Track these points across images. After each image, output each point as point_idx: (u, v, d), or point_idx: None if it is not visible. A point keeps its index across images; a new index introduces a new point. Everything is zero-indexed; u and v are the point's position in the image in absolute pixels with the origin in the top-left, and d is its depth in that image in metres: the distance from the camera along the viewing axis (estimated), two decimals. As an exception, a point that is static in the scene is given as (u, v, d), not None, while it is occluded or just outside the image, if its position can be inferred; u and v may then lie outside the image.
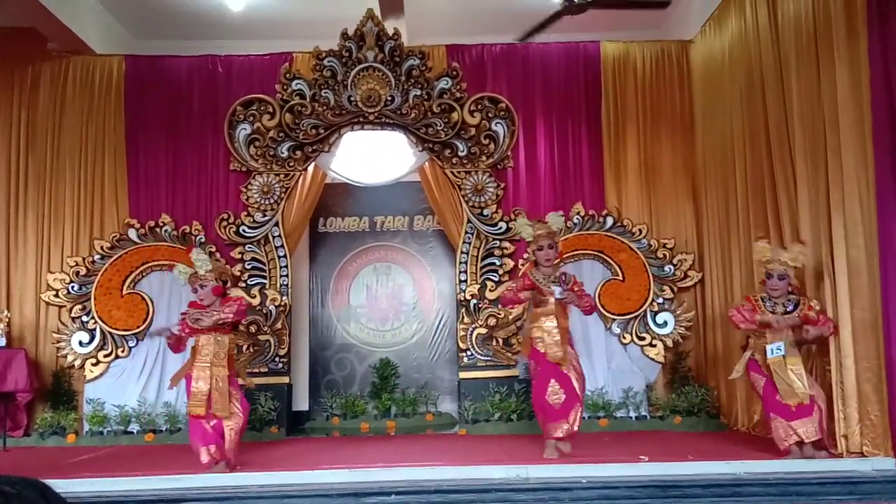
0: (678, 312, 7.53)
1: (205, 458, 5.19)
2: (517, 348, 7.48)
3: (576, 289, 5.70)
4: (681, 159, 7.84)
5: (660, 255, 7.63)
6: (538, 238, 5.68)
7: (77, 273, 7.50)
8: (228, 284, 5.75)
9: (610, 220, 7.71)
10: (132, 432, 7.14)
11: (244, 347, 7.38)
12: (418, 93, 7.61)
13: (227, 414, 5.26)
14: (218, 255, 7.49)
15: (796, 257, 5.29)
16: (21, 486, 1.18)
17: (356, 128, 7.68)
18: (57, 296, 7.47)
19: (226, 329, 5.45)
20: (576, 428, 5.55)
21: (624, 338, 7.52)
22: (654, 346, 7.48)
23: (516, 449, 5.90)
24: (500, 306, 6.62)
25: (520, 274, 5.84)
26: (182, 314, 5.53)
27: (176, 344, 5.53)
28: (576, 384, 5.53)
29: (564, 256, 7.63)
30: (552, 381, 5.48)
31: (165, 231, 7.62)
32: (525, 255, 7.62)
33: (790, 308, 5.25)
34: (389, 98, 7.60)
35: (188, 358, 5.49)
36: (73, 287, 7.47)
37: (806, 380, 5.11)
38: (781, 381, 5.10)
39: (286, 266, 7.63)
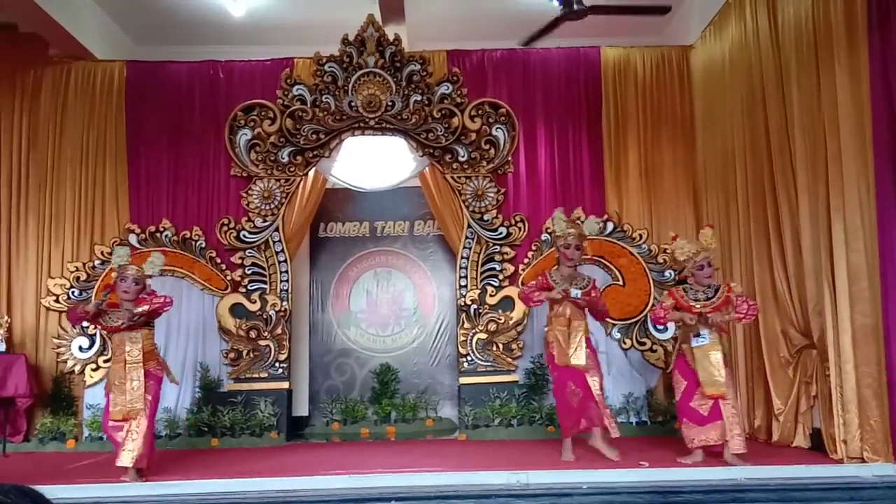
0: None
1: (128, 462, 5.12)
2: (517, 353, 7.49)
3: (593, 293, 5.73)
4: (681, 165, 7.84)
5: (660, 260, 7.62)
6: (568, 235, 5.70)
7: (77, 278, 7.51)
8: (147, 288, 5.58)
9: (610, 226, 7.71)
10: (132, 437, 7.11)
11: (246, 352, 7.38)
12: (419, 98, 7.62)
13: (142, 408, 5.18)
14: (218, 260, 7.51)
15: (711, 240, 5.48)
16: (14, 495, 1.17)
17: (357, 133, 7.69)
18: (57, 301, 7.47)
19: (138, 326, 5.34)
20: (612, 429, 5.56)
21: (624, 343, 7.51)
22: (655, 351, 7.47)
23: (516, 454, 5.88)
24: (519, 299, 6.66)
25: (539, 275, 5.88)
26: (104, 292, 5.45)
27: (78, 315, 5.38)
28: (594, 385, 5.53)
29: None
30: (569, 383, 5.54)
31: (166, 236, 7.62)
32: (525, 260, 7.65)
33: (711, 294, 5.37)
34: (390, 103, 7.62)
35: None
36: (73, 292, 7.47)
37: (723, 372, 5.21)
38: (703, 370, 5.22)
39: (286, 271, 7.63)
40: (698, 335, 5.31)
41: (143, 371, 5.27)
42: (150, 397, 5.31)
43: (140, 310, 5.27)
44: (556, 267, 5.82)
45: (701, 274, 5.42)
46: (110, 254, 7.46)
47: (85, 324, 6.97)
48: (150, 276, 5.47)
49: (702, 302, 5.36)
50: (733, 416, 5.20)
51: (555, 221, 5.84)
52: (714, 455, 5.30)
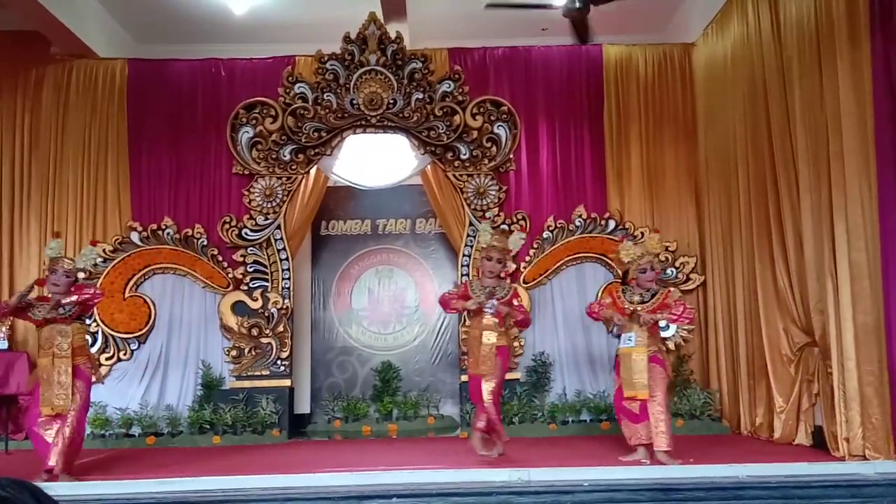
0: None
1: (55, 462, 5.04)
2: (518, 351, 7.49)
3: (515, 302, 5.72)
4: (683, 162, 7.84)
5: (662, 258, 7.61)
6: (491, 248, 5.70)
7: (79, 276, 7.50)
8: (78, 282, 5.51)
9: (612, 223, 7.71)
10: (134, 435, 7.13)
11: (248, 349, 7.39)
12: (420, 96, 7.62)
13: (67, 405, 5.11)
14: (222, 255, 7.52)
15: (657, 245, 5.64)
16: (13, 489, 1.17)
17: (358, 131, 7.69)
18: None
19: (68, 318, 5.27)
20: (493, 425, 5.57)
21: (626, 341, 7.50)
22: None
23: (518, 452, 5.88)
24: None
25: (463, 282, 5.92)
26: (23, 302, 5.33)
27: (10, 310, 5.30)
28: (484, 389, 5.48)
29: (566, 259, 7.66)
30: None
31: (168, 234, 7.62)
32: (527, 258, 7.65)
33: (647, 298, 5.42)
34: (391, 101, 7.61)
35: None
36: (75, 290, 7.47)
37: (646, 375, 5.22)
38: (626, 370, 5.30)
39: (288, 269, 7.63)
40: (625, 337, 5.37)
41: (71, 365, 5.18)
42: (79, 399, 5.21)
43: (66, 300, 5.18)
44: (477, 277, 5.84)
45: (643, 277, 5.47)
46: (113, 251, 7.51)
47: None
48: (81, 270, 5.41)
49: (636, 304, 5.40)
50: (658, 414, 5.22)
51: (480, 233, 5.85)
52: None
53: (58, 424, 5.11)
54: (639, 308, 5.38)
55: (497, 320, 5.55)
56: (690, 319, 5.57)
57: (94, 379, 5.55)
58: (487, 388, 5.49)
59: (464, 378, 7.47)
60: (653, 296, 5.44)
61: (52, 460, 5.01)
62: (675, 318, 5.42)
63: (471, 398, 5.73)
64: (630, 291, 5.49)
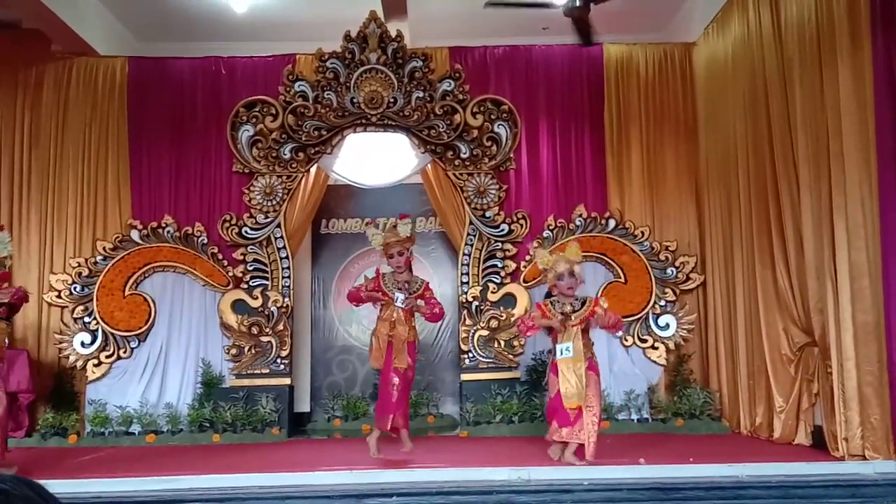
0: (680, 315, 7.53)
1: None
2: (518, 350, 7.49)
3: (427, 295, 5.80)
4: (684, 162, 7.84)
5: (662, 257, 7.62)
6: (389, 246, 5.73)
7: (79, 274, 7.52)
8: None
9: (612, 223, 7.71)
10: (133, 433, 7.14)
11: (248, 348, 7.39)
12: (421, 95, 7.62)
13: None
14: (221, 253, 7.53)
15: (576, 252, 5.50)
16: (13, 484, 1.17)
17: (359, 129, 7.69)
18: (59, 296, 7.48)
19: None
20: (400, 423, 5.76)
21: (626, 340, 7.51)
22: (657, 348, 7.48)
23: (518, 451, 5.89)
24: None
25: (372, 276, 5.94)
26: None
27: None
28: (395, 385, 5.64)
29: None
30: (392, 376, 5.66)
31: (168, 232, 7.62)
32: (527, 257, 7.64)
33: (577, 307, 5.37)
34: (392, 100, 7.61)
35: None
36: (75, 288, 7.48)
37: (585, 385, 5.21)
38: (566, 381, 5.23)
39: (288, 267, 7.63)
40: (561, 348, 5.30)
41: None
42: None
43: None
44: (390, 272, 5.84)
45: (561, 284, 5.39)
46: (113, 249, 7.51)
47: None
48: (7, 259, 5.40)
49: (569, 313, 5.34)
50: (592, 426, 5.20)
51: (370, 239, 5.87)
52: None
53: None
54: (566, 316, 5.32)
55: (406, 315, 5.69)
56: (620, 329, 5.71)
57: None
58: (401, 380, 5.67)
59: (464, 377, 7.50)
60: (582, 304, 5.39)
61: None
62: (611, 327, 5.44)
63: (386, 392, 5.71)
64: (559, 303, 5.40)
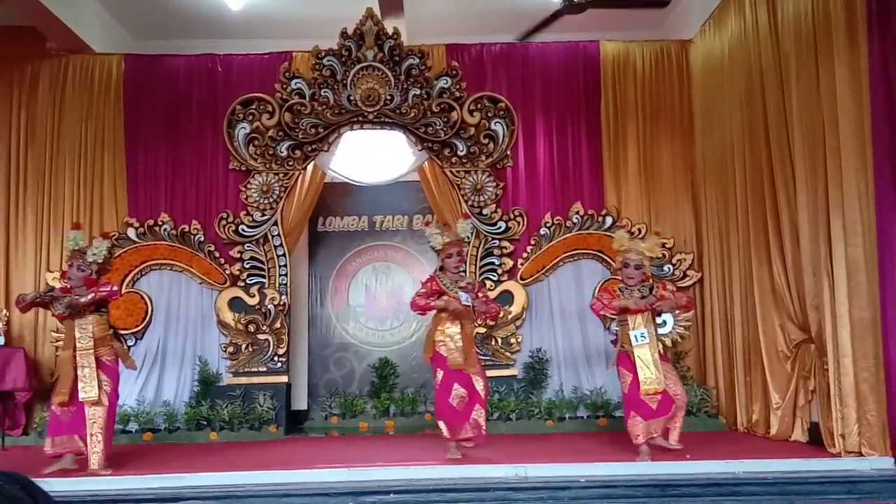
0: (677, 312, 7.52)
1: (47, 447, 5.13)
2: (516, 348, 7.50)
3: (480, 295, 5.78)
4: (680, 159, 7.85)
5: (659, 254, 7.61)
6: (447, 246, 5.71)
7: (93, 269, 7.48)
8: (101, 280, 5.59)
9: (609, 220, 7.72)
10: (131, 431, 7.11)
11: (245, 346, 7.38)
12: (418, 92, 7.61)
13: (95, 398, 5.15)
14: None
15: (653, 248, 5.52)
16: (3, 481, 1.17)
17: (355, 127, 7.68)
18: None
19: (85, 312, 5.31)
20: (483, 430, 5.65)
21: (623, 337, 7.51)
22: (653, 345, 7.47)
23: (515, 448, 5.90)
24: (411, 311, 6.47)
25: (426, 280, 5.86)
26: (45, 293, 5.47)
27: (26, 305, 5.41)
28: (479, 387, 5.59)
29: (563, 255, 7.66)
30: (455, 385, 5.51)
31: (164, 230, 7.61)
32: (524, 254, 7.65)
33: (646, 293, 5.44)
34: (389, 97, 7.60)
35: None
36: (71, 286, 7.46)
37: (661, 369, 5.29)
38: (644, 368, 5.26)
39: (285, 265, 7.63)
40: (636, 334, 5.34)
41: (93, 358, 5.24)
42: (107, 392, 5.27)
43: (78, 299, 5.24)
44: (442, 272, 5.79)
45: (625, 272, 5.48)
46: (109, 247, 7.48)
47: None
48: (93, 263, 5.42)
49: (636, 298, 5.40)
50: (680, 411, 5.34)
51: (429, 238, 5.80)
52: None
53: (75, 412, 5.16)
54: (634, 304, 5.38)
55: (467, 313, 5.67)
56: (691, 307, 5.58)
57: (123, 367, 5.60)
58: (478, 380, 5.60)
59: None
60: (650, 291, 5.44)
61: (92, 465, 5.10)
62: (682, 308, 5.46)
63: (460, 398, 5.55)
64: (627, 289, 5.47)
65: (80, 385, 5.17)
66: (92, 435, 5.16)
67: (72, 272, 5.37)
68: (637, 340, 5.33)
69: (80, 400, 5.16)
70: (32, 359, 7.30)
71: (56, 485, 4.57)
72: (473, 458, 5.48)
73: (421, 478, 4.75)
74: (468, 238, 5.96)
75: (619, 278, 5.66)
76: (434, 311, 5.74)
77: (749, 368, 6.52)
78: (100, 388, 5.21)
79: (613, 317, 5.71)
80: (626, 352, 5.43)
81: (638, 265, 5.45)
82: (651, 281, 5.58)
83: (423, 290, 5.70)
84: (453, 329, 5.58)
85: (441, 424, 5.61)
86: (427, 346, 5.75)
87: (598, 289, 5.69)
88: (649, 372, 5.25)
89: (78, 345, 5.24)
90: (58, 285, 7.34)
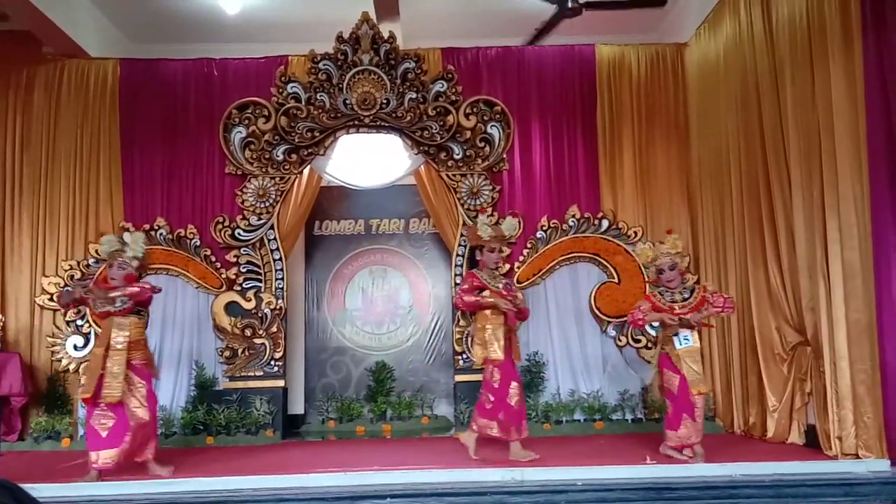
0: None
1: (93, 461, 5.10)
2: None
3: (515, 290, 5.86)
4: (676, 162, 7.86)
5: (680, 247, 7.60)
6: (493, 240, 5.75)
7: (72, 277, 7.48)
8: (142, 277, 5.67)
9: (605, 223, 7.72)
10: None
11: (241, 350, 7.37)
12: (413, 96, 7.61)
13: (117, 399, 5.12)
14: (212, 255, 7.52)
15: (674, 243, 5.58)
16: None
17: (351, 131, 7.68)
18: (52, 300, 7.45)
19: (123, 312, 5.33)
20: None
21: (619, 340, 7.52)
22: (650, 348, 7.48)
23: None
24: (459, 311, 6.36)
25: (465, 276, 5.86)
26: (87, 289, 5.50)
27: (68, 301, 5.49)
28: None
29: (560, 259, 7.66)
30: (512, 383, 5.55)
31: (160, 234, 7.60)
32: (521, 258, 7.64)
33: (687, 295, 5.48)
34: (385, 101, 7.61)
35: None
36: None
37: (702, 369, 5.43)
38: (691, 371, 5.32)
39: (281, 269, 7.62)
40: (680, 337, 5.39)
41: (125, 358, 5.23)
42: (141, 394, 5.28)
43: (114, 294, 5.28)
44: (479, 269, 5.81)
45: (663, 277, 5.53)
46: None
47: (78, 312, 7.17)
48: (137, 259, 5.47)
49: (679, 303, 5.43)
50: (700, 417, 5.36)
51: (480, 229, 5.81)
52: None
53: (114, 420, 5.16)
54: (676, 307, 5.42)
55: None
56: (733, 306, 5.55)
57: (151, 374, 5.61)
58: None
59: (458, 378, 7.49)
60: (691, 293, 5.50)
61: (100, 460, 5.09)
62: (719, 309, 5.42)
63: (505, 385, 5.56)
64: (668, 292, 5.52)
65: (105, 381, 5.15)
66: (137, 440, 5.21)
67: (113, 272, 5.41)
68: (681, 344, 5.39)
69: (102, 399, 5.14)
70: (28, 364, 7.28)
71: (50, 490, 4.57)
72: (472, 461, 5.47)
73: (418, 482, 4.75)
74: (513, 236, 6.01)
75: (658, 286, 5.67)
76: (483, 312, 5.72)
77: (745, 371, 6.53)
78: (133, 389, 5.24)
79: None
80: (667, 353, 5.49)
81: (672, 266, 5.52)
82: (688, 278, 5.66)
83: (467, 286, 5.71)
84: (498, 325, 5.59)
85: (486, 428, 5.58)
86: (477, 347, 5.76)
87: (643, 298, 5.69)
88: (697, 373, 5.33)
89: (112, 342, 5.24)
90: (54, 290, 7.41)
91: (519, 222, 6.13)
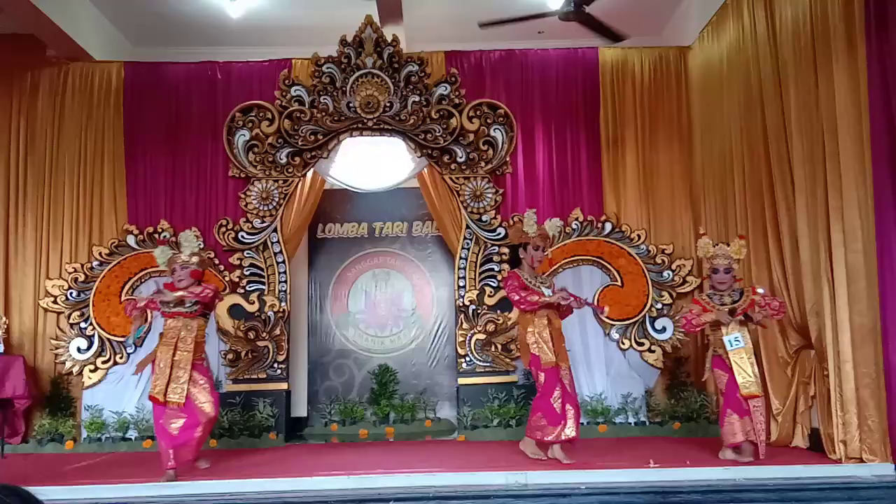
0: (677, 318, 7.53)
1: (167, 461, 5.21)
2: (515, 354, 7.48)
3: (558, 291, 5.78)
4: (679, 165, 7.85)
5: (658, 260, 7.63)
6: (537, 238, 5.75)
7: (76, 279, 7.50)
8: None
9: (609, 226, 7.72)
10: (130, 439, 7.12)
11: (244, 353, 7.37)
12: (417, 99, 7.62)
13: (182, 401, 5.25)
14: (216, 259, 7.54)
15: (738, 250, 5.54)
16: (3, 494, 1.17)
17: (355, 134, 7.69)
18: (55, 302, 7.46)
19: (191, 313, 5.47)
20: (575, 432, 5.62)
21: (623, 343, 7.51)
22: (653, 351, 7.47)
23: (515, 455, 5.88)
24: (518, 311, 6.27)
25: (505, 277, 5.84)
26: (155, 292, 5.61)
27: (131, 307, 5.56)
28: (568, 386, 5.63)
29: (563, 262, 7.66)
30: (557, 386, 5.54)
31: (164, 237, 7.60)
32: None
33: (737, 298, 5.46)
34: (388, 104, 7.61)
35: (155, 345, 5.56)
36: (71, 293, 7.47)
37: (756, 371, 5.35)
38: (742, 372, 5.29)
39: (285, 272, 7.63)
40: (731, 339, 5.36)
41: (191, 362, 5.36)
42: (206, 394, 5.41)
43: (182, 294, 5.39)
44: (520, 268, 5.81)
45: (714, 277, 5.53)
46: (109, 255, 7.50)
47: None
48: (195, 254, 5.57)
49: (728, 305, 5.43)
50: (761, 424, 5.29)
51: (526, 223, 5.81)
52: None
53: (184, 418, 5.28)
54: (725, 310, 5.41)
55: (552, 309, 5.69)
56: (785, 311, 5.54)
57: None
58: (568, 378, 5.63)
59: (461, 381, 7.48)
60: (740, 295, 5.48)
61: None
62: (774, 313, 5.40)
63: (547, 391, 5.55)
64: (716, 295, 5.52)
65: (171, 386, 5.27)
66: (205, 434, 5.45)
67: (176, 276, 5.50)
68: (731, 345, 5.37)
69: (168, 401, 5.25)
70: (32, 367, 7.30)
71: (53, 493, 4.57)
72: (475, 465, 5.47)
73: (421, 485, 4.74)
74: (555, 236, 6.01)
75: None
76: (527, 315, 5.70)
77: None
78: (199, 387, 5.36)
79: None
80: (720, 355, 5.48)
81: (727, 269, 5.51)
82: (741, 283, 5.61)
83: (517, 284, 5.66)
84: (543, 327, 5.58)
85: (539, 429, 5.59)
86: (523, 350, 5.77)
87: (692, 301, 5.64)
88: (748, 375, 5.29)
89: (180, 344, 5.36)
90: (58, 293, 7.42)
91: (560, 223, 6.15)
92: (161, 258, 5.72)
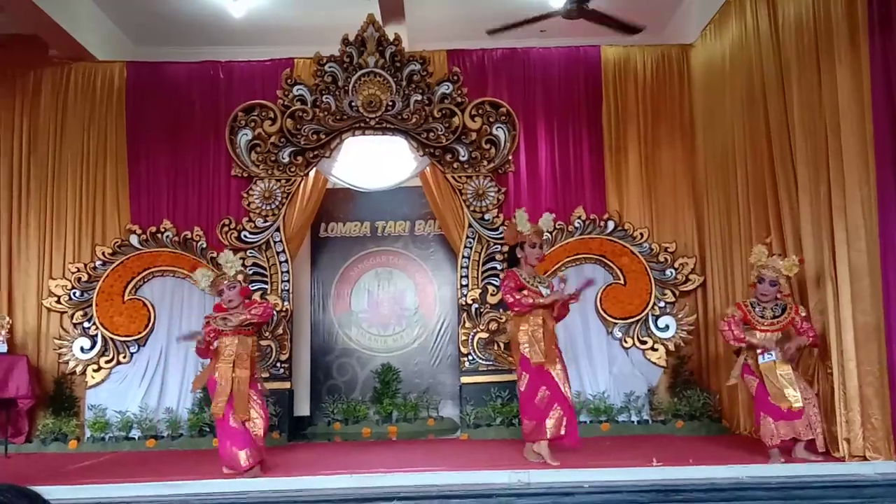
0: (680, 316, 7.53)
1: (244, 461, 5.26)
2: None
3: (556, 289, 5.71)
4: (682, 163, 7.84)
5: (661, 258, 7.62)
6: (532, 235, 5.68)
7: (79, 279, 7.51)
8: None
9: (611, 224, 7.71)
10: (134, 438, 7.13)
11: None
12: (419, 98, 7.62)
13: (247, 416, 5.29)
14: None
15: (791, 267, 5.42)
16: (11, 494, 1.17)
17: (357, 133, 7.69)
18: (59, 302, 7.48)
19: (249, 331, 5.50)
20: (562, 431, 5.45)
21: (626, 342, 7.51)
22: (656, 350, 7.47)
23: (518, 453, 5.88)
24: (511, 313, 6.23)
25: (503, 277, 5.78)
26: (206, 318, 5.57)
27: (204, 350, 5.53)
28: (562, 386, 5.49)
29: (566, 260, 7.65)
30: (542, 387, 5.45)
31: (167, 237, 7.62)
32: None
33: (778, 313, 5.39)
34: (390, 103, 7.61)
35: (210, 361, 5.54)
36: (74, 293, 7.48)
37: (797, 385, 5.21)
38: (772, 386, 5.24)
39: (287, 271, 7.63)
40: (765, 353, 5.31)
41: (248, 378, 5.38)
42: (260, 404, 5.44)
43: (240, 315, 5.38)
44: (519, 267, 5.74)
45: (759, 287, 5.41)
46: (112, 254, 7.51)
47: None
48: (239, 272, 5.56)
49: (769, 319, 5.37)
50: (816, 417, 5.22)
51: (518, 222, 5.73)
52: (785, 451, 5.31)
53: (243, 433, 5.32)
54: (764, 323, 5.36)
55: (547, 309, 5.60)
56: (817, 343, 5.43)
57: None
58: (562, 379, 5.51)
59: (464, 380, 7.49)
60: (783, 311, 5.39)
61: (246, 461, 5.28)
62: (808, 341, 5.35)
63: (540, 395, 5.46)
64: (759, 305, 5.43)
65: (235, 402, 5.30)
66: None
67: (225, 296, 5.47)
68: (763, 359, 5.32)
69: (232, 417, 5.28)
70: (35, 366, 7.31)
71: (57, 492, 4.58)
72: (475, 463, 5.47)
73: (424, 484, 4.74)
74: (549, 232, 5.96)
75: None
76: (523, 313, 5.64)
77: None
78: (252, 403, 5.38)
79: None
80: (749, 364, 5.42)
81: (773, 282, 5.40)
82: (786, 299, 5.49)
83: (513, 285, 5.58)
84: (538, 326, 5.51)
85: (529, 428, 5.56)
86: (513, 349, 5.71)
87: (734, 306, 5.58)
88: (776, 389, 5.20)
89: (238, 360, 5.37)
90: (61, 292, 7.43)
91: (553, 218, 6.10)
92: (203, 281, 5.69)
